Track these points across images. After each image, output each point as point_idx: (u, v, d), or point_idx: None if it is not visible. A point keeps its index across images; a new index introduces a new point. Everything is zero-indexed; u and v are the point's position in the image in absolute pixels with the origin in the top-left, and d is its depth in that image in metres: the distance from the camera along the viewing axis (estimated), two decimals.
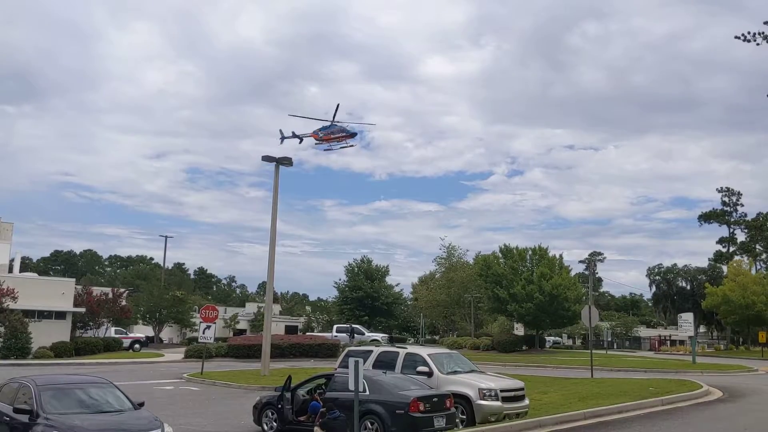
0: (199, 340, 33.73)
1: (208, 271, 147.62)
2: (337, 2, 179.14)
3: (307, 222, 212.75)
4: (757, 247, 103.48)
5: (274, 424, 15.24)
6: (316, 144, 61.51)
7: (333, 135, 59.70)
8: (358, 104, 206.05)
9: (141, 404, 11.71)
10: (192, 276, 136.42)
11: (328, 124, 59.72)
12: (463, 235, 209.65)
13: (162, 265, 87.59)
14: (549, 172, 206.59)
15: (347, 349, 20.19)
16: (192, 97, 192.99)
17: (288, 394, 15.28)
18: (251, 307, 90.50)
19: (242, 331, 76.42)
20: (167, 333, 69.95)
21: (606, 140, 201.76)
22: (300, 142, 62.91)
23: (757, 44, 6.19)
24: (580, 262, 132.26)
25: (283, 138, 64.37)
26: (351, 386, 11.79)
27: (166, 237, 74.50)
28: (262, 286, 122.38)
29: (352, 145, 62.33)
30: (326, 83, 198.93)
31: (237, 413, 17.93)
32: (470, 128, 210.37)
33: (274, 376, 26.94)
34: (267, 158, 31.94)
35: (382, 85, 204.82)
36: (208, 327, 30.33)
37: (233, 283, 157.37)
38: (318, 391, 15.40)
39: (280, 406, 15.15)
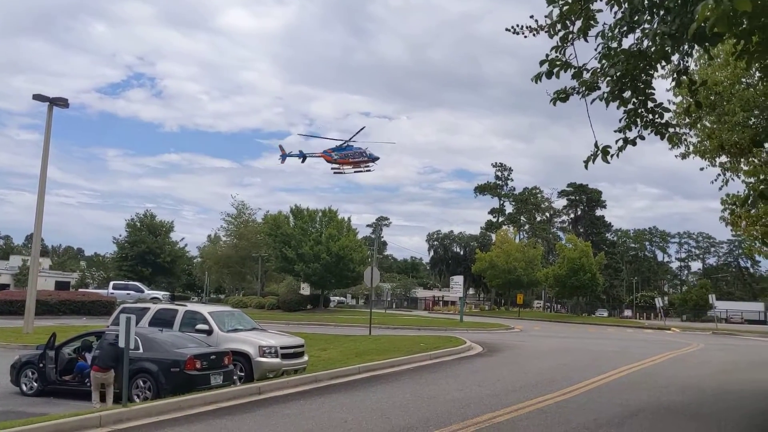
0: None
1: None
2: None
3: (87, 171, 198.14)
4: (522, 218, 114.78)
5: (35, 384, 14.17)
6: (333, 169, 55.48)
7: (351, 159, 53.70)
8: (151, 50, 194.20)
9: None
10: None
11: (343, 144, 53.66)
12: (256, 194, 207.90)
13: None
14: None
15: (122, 305, 19.21)
16: None
17: (51, 353, 14.23)
18: (16, 261, 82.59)
19: (5, 286, 69.66)
20: None
21: (400, 111, 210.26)
22: (302, 162, 56.62)
23: (525, 36, 6.77)
24: (368, 225, 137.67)
25: (284, 156, 57.47)
26: (121, 343, 11.25)
27: None
28: (31, 238, 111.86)
29: (369, 170, 56.69)
30: (116, 23, 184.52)
31: None
32: (269, 86, 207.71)
33: (39, 333, 24.87)
34: (39, 97, 28.86)
35: (179, 32, 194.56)
36: None
37: None
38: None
39: (41, 365, 14.09)
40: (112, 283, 56.62)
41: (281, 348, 16.14)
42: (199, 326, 16.27)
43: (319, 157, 56.31)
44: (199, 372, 13.10)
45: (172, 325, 16.33)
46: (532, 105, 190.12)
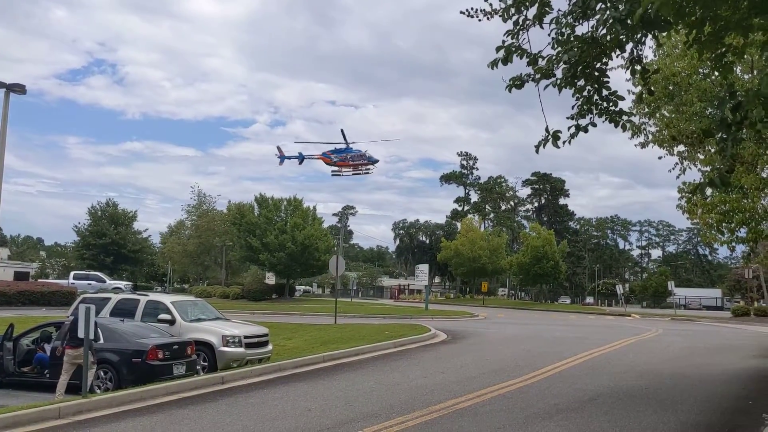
0: None
1: None
2: None
3: (46, 159, 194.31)
4: (487, 207, 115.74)
5: None
6: (332, 172, 55.09)
7: (352, 161, 53.36)
8: (112, 35, 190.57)
9: None
10: None
11: (343, 146, 53.18)
12: (221, 183, 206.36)
13: None
14: (310, 125, 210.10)
15: (82, 296, 18.91)
16: None
17: (9, 344, 13.96)
18: None
19: None
20: None
21: (366, 99, 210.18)
22: (300, 163, 56.60)
23: (479, 20, 6.81)
24: (334, 214, 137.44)
25: (282, 158, 57.10)
26: (80, 334, 11.07)
27: None
28: None
29: (368, 173, 56.53)
30: (76, 8, 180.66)
31: None
32: (234, 74, 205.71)
33: None
34: None
35: (140, 18, 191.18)
36: None
37: None
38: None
39: None
40: (72, 273, 55.68)
41: (245, 337, 16.08)
42: (162, 316, 16.12)
43: (317, 159, 56.44)
44: (162, 362, 12.98)
45: (134, 315, 16.16)
46: (497, 94, 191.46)
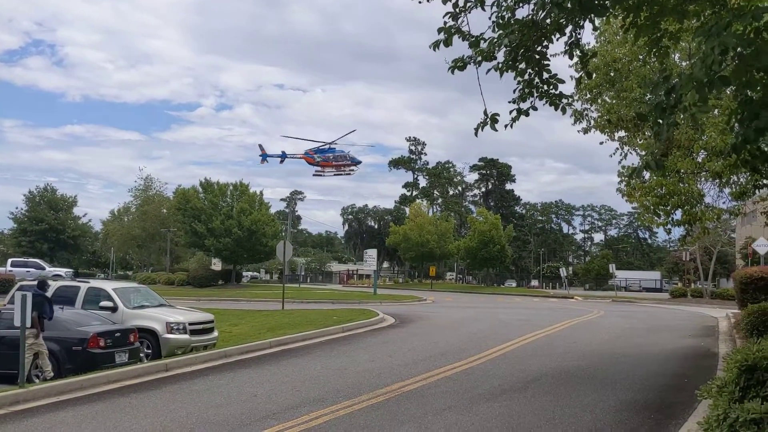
0: None
1: None
2: None
3: None
4: (435, 192, 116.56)
5: None
6: (315, 172, 53.76)
7: (335, 162, 52.35)
8: (50, 15, 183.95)
9: None
10: None
11: (326, 146, 51.93)
12: (166, 167, 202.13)
13: None
14: (258, 109, 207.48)
15: (19, 283, 18.36)
16: None
17: None
18: None
19: None
20: None
21: (315, 83, 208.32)
22: (281, 162, 55.32)
23: (420, 2, 6.82)
24: (282, 200, 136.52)
25: (265, 157, 55.69)
26: (17, 322, 10.74)
27: None
28: None
29: (351, 173, 55.60)
30: None
31: None
32: (178, 56, 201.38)
33: None
34: None
35: None
36: None
37: None
38: None
39: None
40: (10, 260, 53.90)
41: (190, 324, 15.88)
42: (103, 303, 15.79)
43: (300, 158, 56.25)
44: (103, 350, 12.74)
45: (74, 303, 15.82)
46: (445, 79, 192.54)
